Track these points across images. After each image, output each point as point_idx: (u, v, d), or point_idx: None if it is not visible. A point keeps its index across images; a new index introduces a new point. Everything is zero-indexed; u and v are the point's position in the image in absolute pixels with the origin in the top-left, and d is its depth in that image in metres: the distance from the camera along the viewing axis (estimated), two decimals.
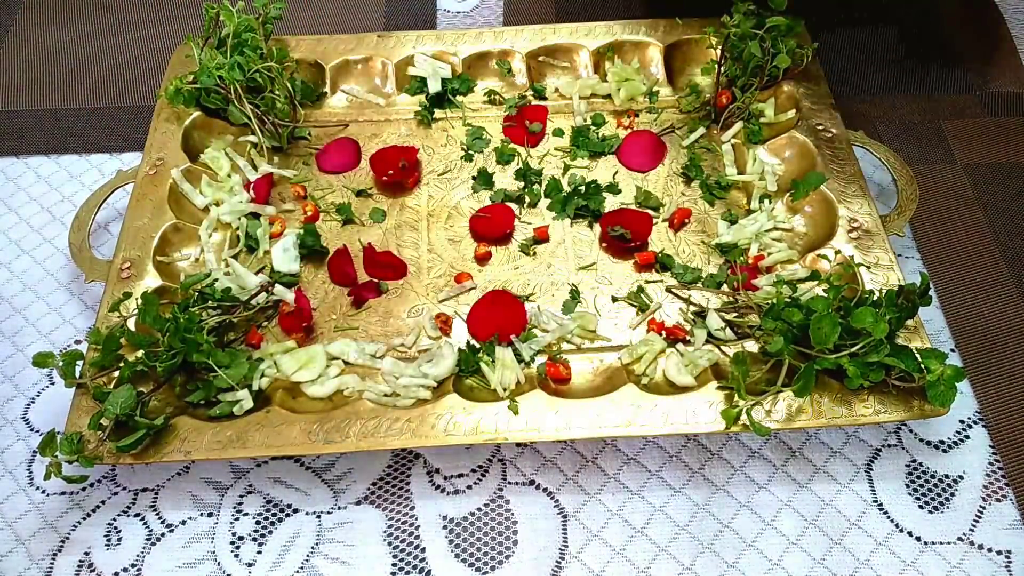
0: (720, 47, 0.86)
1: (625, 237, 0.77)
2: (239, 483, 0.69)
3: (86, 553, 0.65)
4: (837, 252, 0.73)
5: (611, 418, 0.64)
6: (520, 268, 0.78)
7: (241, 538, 0.66)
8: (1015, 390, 0.72)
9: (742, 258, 0.76)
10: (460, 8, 1.07)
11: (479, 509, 0.67)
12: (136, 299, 0.71)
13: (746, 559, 0.64)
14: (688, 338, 0.71)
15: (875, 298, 0.66)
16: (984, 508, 0.66)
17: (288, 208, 0.82)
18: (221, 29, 0.85)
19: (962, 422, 0.71)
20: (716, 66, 0.86)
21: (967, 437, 0.70)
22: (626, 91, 0.89)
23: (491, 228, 0.80)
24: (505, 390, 0.67)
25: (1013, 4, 1.02)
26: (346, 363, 0.71)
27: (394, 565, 0.65)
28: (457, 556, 0.65)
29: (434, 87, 0.89)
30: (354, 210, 0.82)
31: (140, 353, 0.67)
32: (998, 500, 0.67)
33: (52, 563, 0.65)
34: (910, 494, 0.67)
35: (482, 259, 0.78)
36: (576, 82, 0.91)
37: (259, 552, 0.65)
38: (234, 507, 0.67)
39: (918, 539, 0.65)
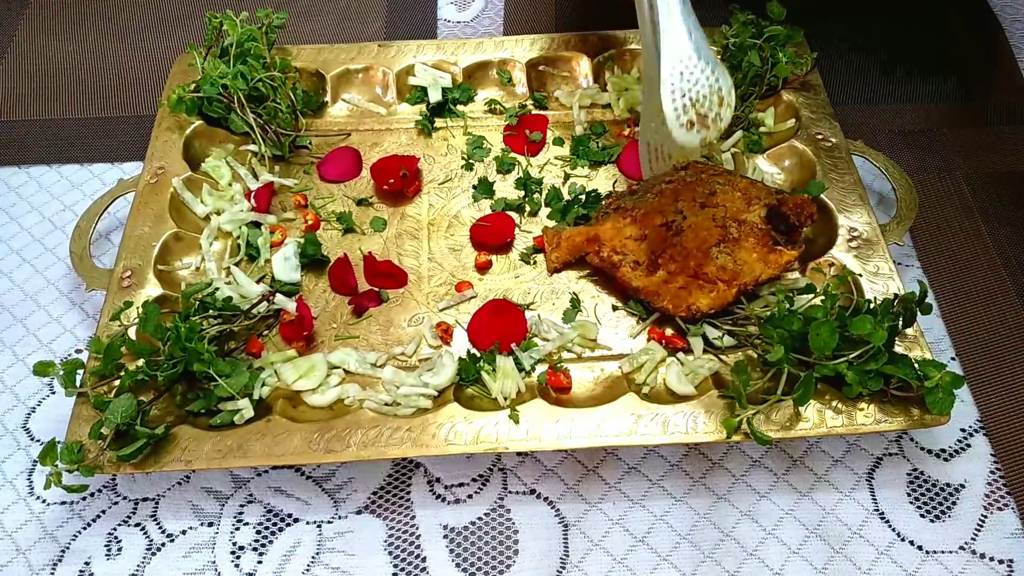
0: (720, 56, 0.86)
1: None
2: (239, 492, 0.69)
3: (86, 563, 0.65)
4: (832, 265, 0.74)
5: (612, 427, 0.64)
6: (520, 277, 0.78)
7: (242, 548, 0.66)
8: (1016, 398, 0.72)
9: None
10: (460, 18, 1.07)
11: (480, 518, 0.67)
12: (137, 308, 0.71)
13: (747, 568, 0.64)
14: (688, 347, 0.71)
15: (871, 307, 0.66)
16: (986, 517, 0.66)
17: (289, 217, 0.83)
18: (224, 38, 0.86)
19: (963, 431, 0.71)
20: None
21: (968, 446, 0.70)
22: (626, 101, 0.90)
23: (492, 237, 0.80)
24: (506, 399, 0.67)
25: (1012, 14, 1.03)
26: (347, 372, 0.71)
27: (395, 575, 0.64)
28: (458, 565, 0.65)
29: (435, 96, 0.90)
30: (355, 219, 0.82)
31: (141, 362, 0.67)
32: (1000, 509, 0.67)
33: (52, 573, 0.65)
34: (911, 503, 0.67)
35: (482, 268, 0.78)
36: (576, 92, 0.91)
37: (259, 562, 0.65)
38: (235, 517, 0.67)
39: (919, 548, 0.65)
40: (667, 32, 0.67)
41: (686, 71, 0.66)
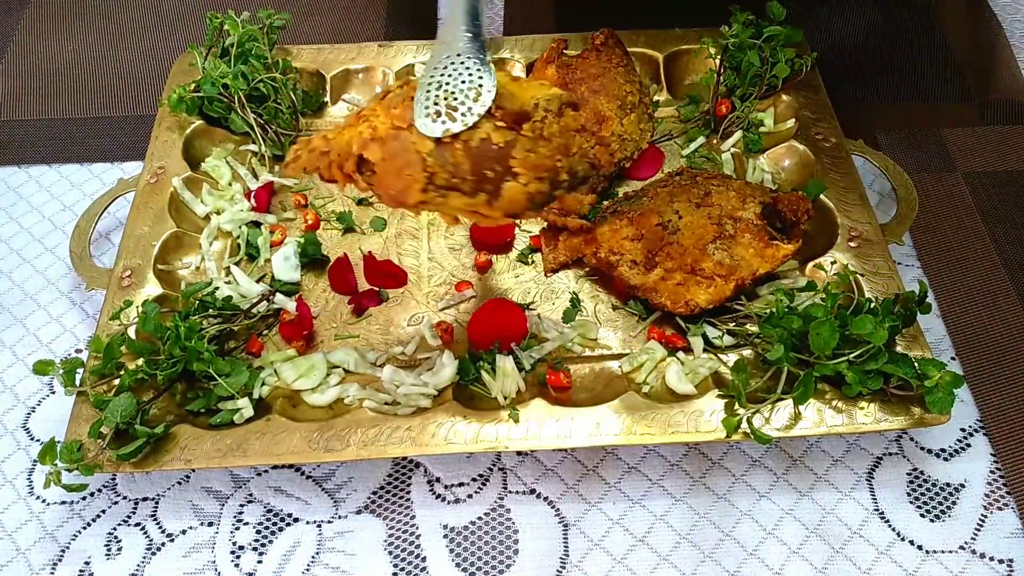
0: (719, 57, 0.86)
1: None
2: (239, 492, 0.69)
3: (86, 563, 0.65)
4: (834, 262, 0.74)
5: (612, 427, 0.64)
6: (520, 277, 0.78)
7: (241, 548, 0.66)
8: (1016, 398, 0.72)
9: None
10: None
11: (480, 518, 0.67)
12: (137, 307, 0.71)
13: (747, 568, 0.64)
14: (688, 346, 0.71)
15: (871, 306, 0.66)
16: (986, 516, 0.66)
17: (289, 217, 0.83)
18: (225, 38, 0.86)
19: (963, 430, 0.71)
20: (715, 76, 0.87)
21: (968, 445, 0.70)
22: None
23: (492, 237, 0.80)
24: (506, 398, 0.67)
25: (1012, 13, 1.03)
26: (346, 371, 0.71)
27: (395, 574, 0.64)
28: (458, 565, 0.65)
29: None
30: (355, 219, 0.82)
31: (140, 361, 0.67)
32: (1000, 508, 0.67)
33: (52, 573, 0.65)
34: (911, 503, 0.67)
35: (482, 268, 0.78)
36: None
37: (259, 562, 0.65)
38: (234, 516, 0.67)
39: (919, 548, 0.65)
40: (446, 24, 0.67)
41: (451, 65, 0.63)
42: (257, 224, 0.81)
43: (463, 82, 0.61)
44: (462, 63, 0.63)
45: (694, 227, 0.72)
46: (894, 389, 0.64)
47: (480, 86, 0.61)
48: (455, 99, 0.60)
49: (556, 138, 0.60)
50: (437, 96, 0.61)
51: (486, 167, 0.59)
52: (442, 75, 0.62)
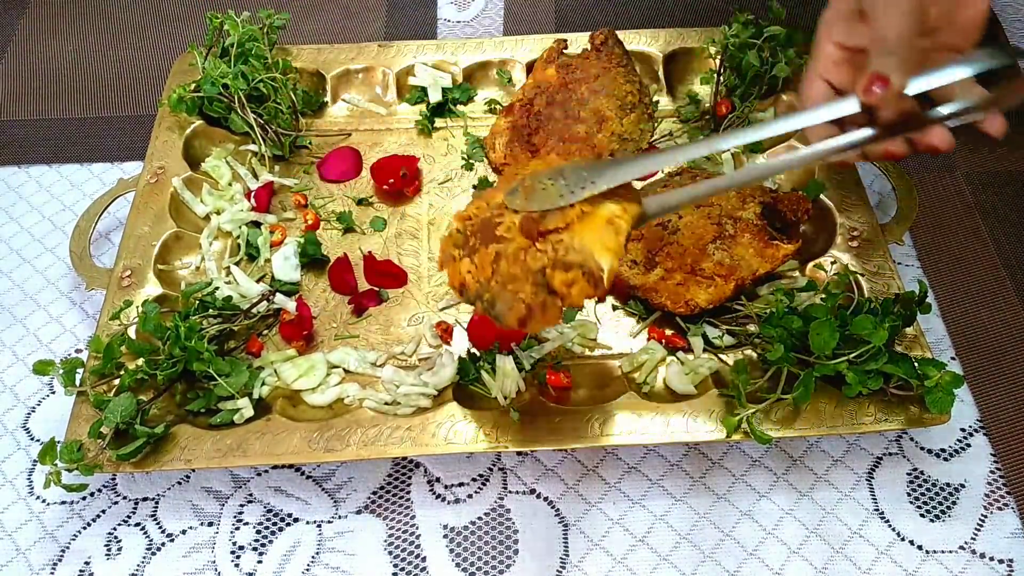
0: (719, 57, 0.86)
1: None
2: (239, 492, 0.69)
3: (86, 563, 0.65)
4: (834, 262, 0.74)
5: (612, 427, 0.64)
6: None
7: (241, 548, 0.66)
8: (1016, 398, 0.72)
9: None
10: (461, 17, 1.08)
11: (480, 518, 0.67)
12: (137, 307, 0.71)
13: (747, 568, 0.64)
14: (688, 346, 0.71)
15: (871, 306, 0.66)
16: (986, 517, 0.66)
17: (289, 217, 0.83)
18: (225, 38, 0.86)
19: (963, 430, 0.71)
20: (715, 76, 0.87)
21: (968, 445, 0.70)
22: None
23: None
24: (506, 398, 0.67)
25: (1012, 14, 1.03)
26: (346, 371, 0.71)
27: (395, 574, 0.64)
28: (458, 565, 0.65)
29: (435, 96, 0.90)
30: (355, 219, 0.82)
31: (140, 361, 0.67)
32: (1000, 508, 0.67)
33: (52, 573, 0.65)
34: (911, 503, 0.67)
35: None
36: None
37: (259, 562, 0.65)
38: (234, 516, 0.67)
39: (919, 548, 0.65)
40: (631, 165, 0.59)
41: (569, 180, 0.57)
42: (257, 224, 0.81)
43: (570, 192, 0.55)
44: (572, 186, 0.56)
45: (694, 227, 0.72)
46: (894, 389, 0.64)
47: (569, 204, 0.55)
48: (552, 189, 0.56)
49: (512, 268, 0.54)
50: (562, 181, 0.56)
51: (483, 235, 0.55)
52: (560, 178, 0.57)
